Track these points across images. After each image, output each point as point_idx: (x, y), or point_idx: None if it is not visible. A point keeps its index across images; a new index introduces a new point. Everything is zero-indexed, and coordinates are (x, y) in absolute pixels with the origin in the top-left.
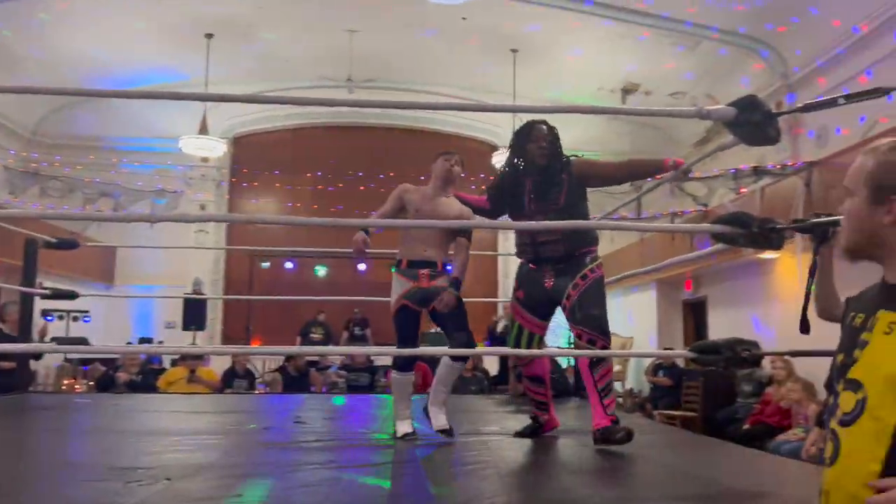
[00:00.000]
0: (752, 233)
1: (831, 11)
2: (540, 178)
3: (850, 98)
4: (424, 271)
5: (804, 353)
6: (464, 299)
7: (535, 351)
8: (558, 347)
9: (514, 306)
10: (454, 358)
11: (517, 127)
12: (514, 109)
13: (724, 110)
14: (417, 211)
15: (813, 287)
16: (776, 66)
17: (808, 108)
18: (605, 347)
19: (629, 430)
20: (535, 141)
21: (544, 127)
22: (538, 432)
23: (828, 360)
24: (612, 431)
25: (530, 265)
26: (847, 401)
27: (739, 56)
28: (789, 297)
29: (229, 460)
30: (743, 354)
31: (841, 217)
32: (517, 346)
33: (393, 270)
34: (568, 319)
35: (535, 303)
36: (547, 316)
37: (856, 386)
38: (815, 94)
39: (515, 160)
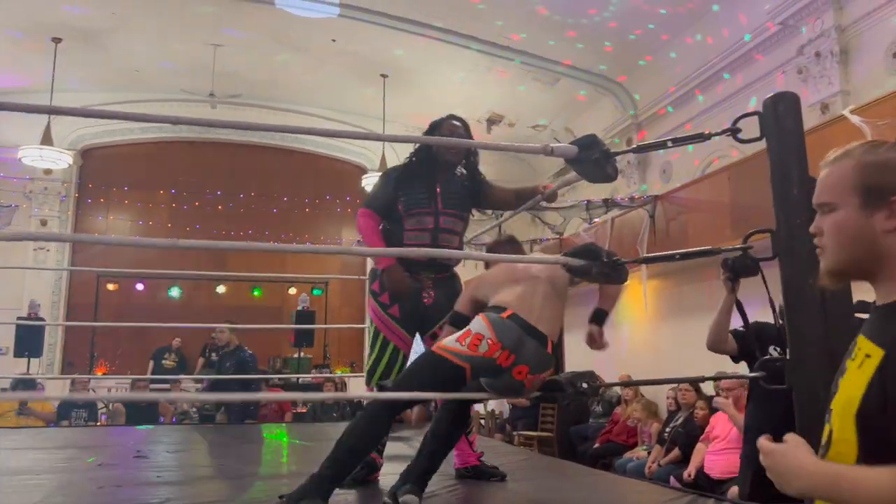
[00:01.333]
0: (602, 265)
1: (680, 53)
2: (454, 184)
3: (676, 141)
4: None
5: (639, 382)
6: (338, 325)
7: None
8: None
9: (388, 324)
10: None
11: (386, 151)
12: (378, 138)
13: (566, 148)
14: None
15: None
16: (627, 105)
17: (640, 149)
18: None
19: (503, 475)
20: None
21: (459, 125)
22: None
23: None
24: (487, 474)
25: (407, 271)
26: (825, 432)
27: (596, 94)
28: (636, 321)
29: (52, 502)
30: (582, 388)
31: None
32: (391, 372)
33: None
34: None
35: (410, 320)
36: (414, 333)
37: (829, 416)
38: (663, 131)
39: (432, 154)
